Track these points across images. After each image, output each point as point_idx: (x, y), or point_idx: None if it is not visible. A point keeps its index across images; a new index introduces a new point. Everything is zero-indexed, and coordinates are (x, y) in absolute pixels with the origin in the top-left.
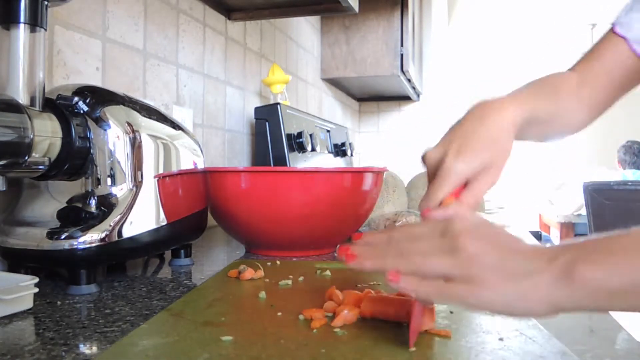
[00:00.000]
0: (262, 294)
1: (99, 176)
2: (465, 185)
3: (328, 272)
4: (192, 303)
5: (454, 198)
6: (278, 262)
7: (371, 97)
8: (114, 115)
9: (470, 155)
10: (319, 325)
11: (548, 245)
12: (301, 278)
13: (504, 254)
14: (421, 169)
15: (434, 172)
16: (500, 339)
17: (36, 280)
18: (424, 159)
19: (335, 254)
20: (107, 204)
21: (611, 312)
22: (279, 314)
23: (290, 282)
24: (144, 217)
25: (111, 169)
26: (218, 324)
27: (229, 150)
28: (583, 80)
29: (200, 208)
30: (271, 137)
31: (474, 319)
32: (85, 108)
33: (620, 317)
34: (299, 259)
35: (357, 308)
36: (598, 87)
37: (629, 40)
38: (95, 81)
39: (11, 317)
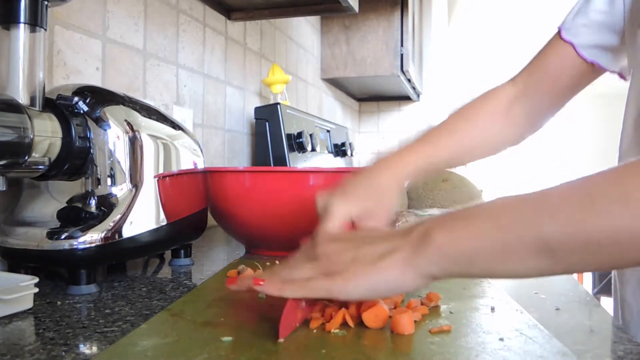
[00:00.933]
0: (262, 295)
1: (99, 176)
2: (353, 226)
3: None
4: (192, 303)
5: None
6: (277, 262)
7: (371, 97)
8: (114, 115)
9: (353, 200)
10: (317, 325)
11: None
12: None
13: (360, 246)
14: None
15: (321, 213)
16: (501, 339)
17: (36, 280)
18: (316, 201)
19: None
20: (107, 204)
21: (608, 310)
22: (279, 314)
23: None
24: (144, 217)
25: (111, 169)
26: (217, 324)
27: (229, 150)
28: (524, 92)
29: (200, 208)
30: (271, 137)
31: (474, 319)
32: (85, 108)
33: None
34: None
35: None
36: (541, 96)
37: (576, 46)
38: (95, 81)
39: (11, 317)
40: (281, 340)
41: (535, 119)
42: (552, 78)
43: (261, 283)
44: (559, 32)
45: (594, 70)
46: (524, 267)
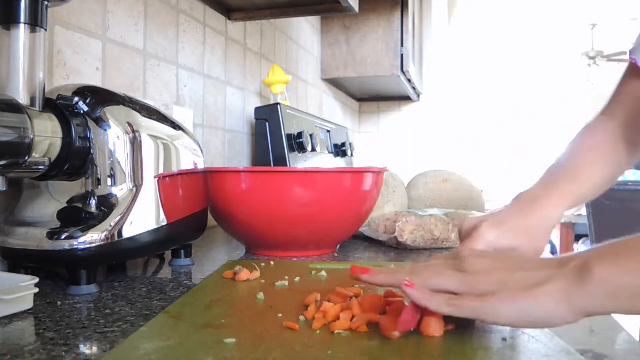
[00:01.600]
0: (260, 295)
1: (99, 176)
2: None
3: (323, 273)
4: (190, 305)
5: None
6: (272, 262)
7: (371, 97)
8: (114, 115)
9: (504, 233)
10: (320, 325)
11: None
12: (297, 279)
13: (512, 269)
14: (421, 169)
15: (466, 235)
16: (504, 339)
17: (36, 280)
18: (461, 225)
19: (349, 270)
20: (107, 204)
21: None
22: (279, 315)
23: (286, 282)
24: (144, 217)
25: (111, 169)
26: (219, 326)
27: (229, 150)
28: (622, 122)
29: (200, 208)
30: (271, 137)
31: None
32: (85, 108)
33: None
34: (299, 259)
35: (365, 314)
36: (637, 122)
37: None
38: (95, 81)
39: (11, 317)
40: (396, 333)
41: (638, 147)
42: (636, 104)
43: (410, 285)
44: (634, 63)
45: None
46: None
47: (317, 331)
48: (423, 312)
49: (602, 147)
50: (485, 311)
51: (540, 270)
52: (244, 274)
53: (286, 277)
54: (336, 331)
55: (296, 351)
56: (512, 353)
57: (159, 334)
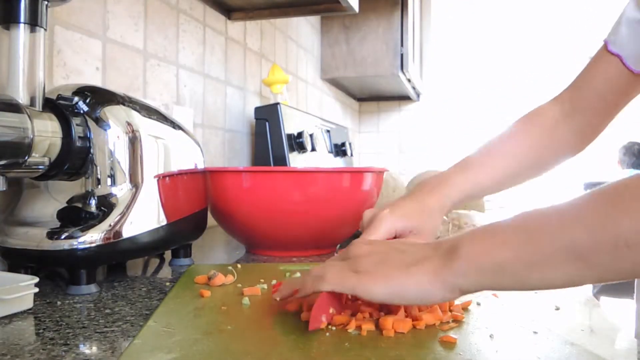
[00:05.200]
0: (246, 300)
1: (99, 176)
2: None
3: (298, 274)
4: (175, 314)
5: None
6: (239, 265)
7: (371, 97)
8: (114, 115)
9: (400, 216)
10: (334, 323)
11: None
12: (274, 281)
13: (392, 252)
14: (421, 169)
15: (365, 225)
16: (491, 336)
17: (36, 280)
18: (362, 217)
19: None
20: (107, 204)
21: (608, 310)
22: (279, 317)
23: (265, 286)
24: (144, 217)
25: (111, 169)
26: (219, 334)
27: (229, 150)
28: (571, 110)
29: (200, 208)
30: (271, 137)
31: (471, 320)
32: (85, 108)
33: (620, 317)
34: (299, 259)
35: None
36: (589, 112)
37: (623, 58)
38: (95, 81)
39: (11, 317)
40: (311, 330)
41: (584, 136)
42: (599, 93)
43: (277, 286)
44: (604, 46)
45: None
46: (554, 275)
47: (327, 333)
48: (336, 307)
49: (531, 138)
50: (361, 287)
51: (417, 252)
52: (219, 279)
53: (262, 280)
54: (348, 331)
55: (312, 356)
56: (512, 352)
57: (157, 346)
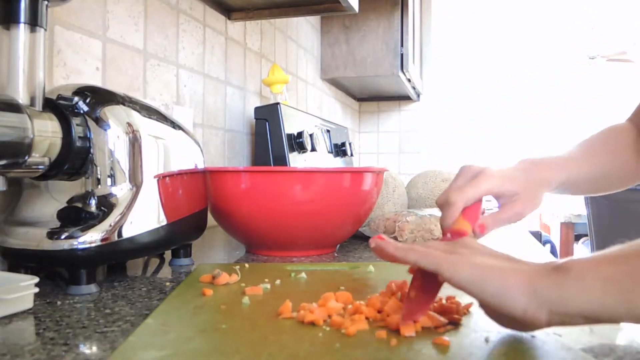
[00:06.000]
0: (246, 300)
1: (99, 176)
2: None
3: (303, 275)
4: (174, 312)
5: (466, 221)
6: (247, 265)
7: (371, 97)
8: (114, 115)
9: (509, 179)
10: (358, 325)
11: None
12: (278, 281)
13: (494, 253)
14: (421, 169)
15: (470, 178)
16: (486, 340)
17: (36, 280)
18: (461, 169)
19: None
20: (107, 204)
21: None
22: (275, 317)
23: (268, 285)
24: (144, 217)
25: (111, 169)
26: (213, 333)
27: (229, 150)
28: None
29: (200, 208)
30: (271, 137)
31: (469, 321)
32: (85, 108)
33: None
34: (299, 259)
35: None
36: None
37: None
38: (95, 81)
39: (11, 317)
40: (403, 327)
41: None
42: None
43: (380, 238)
44: None
45: None
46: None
47: (320, 334)
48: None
49: (620, 148)
50: (446, 266)
51: (520, 261)
52: (223, 278)
53: (266, 280)
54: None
55: (300, 357)
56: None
57: (151, 343)
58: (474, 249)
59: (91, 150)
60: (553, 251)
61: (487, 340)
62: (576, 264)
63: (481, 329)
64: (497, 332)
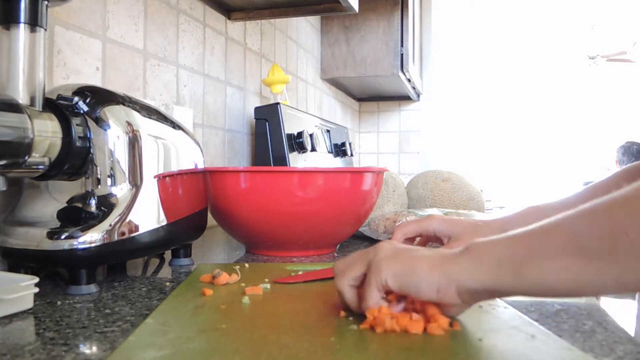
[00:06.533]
0: (246, 299)
1: (99, 176)
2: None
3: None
4: (174, 312)
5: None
6: (247, 265)
7: (371, 97)
8: (114, 115)
9: (447, 221)
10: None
11: None
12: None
13: (416, 250)
14: (421, 169)
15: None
16: (479, 339)
17: (36, 280)
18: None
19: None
20: (107, 204)
21: (607, 310)
22: (275, 316)
23: (268, 285)
24: (144, 217)
25: (111, 169)
26: (213, 333)
27: (229, 150)
28: None
29: (200, 208)
30: (271, 137)
31: (470, 320)
32: (85, 108)
33: (619, 316)
34: (299, 259)
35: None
36: None
37: None
38: (95, 81)
39: (11, 317)
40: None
41: None
42: None
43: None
44: None
45: None
46: (553, 269)
47: (355, 327)
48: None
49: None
50: (375, 265)
51: (432, 251)
52: (223, 278)
53: (266, 279)
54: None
55: (300, 356)
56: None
57: (150, 343)
58: (389, 249)
59: (91, 150)
60: None
61: (480, 339)
62: (478, 244)
63: (480, 329)
64: (498, 331)
